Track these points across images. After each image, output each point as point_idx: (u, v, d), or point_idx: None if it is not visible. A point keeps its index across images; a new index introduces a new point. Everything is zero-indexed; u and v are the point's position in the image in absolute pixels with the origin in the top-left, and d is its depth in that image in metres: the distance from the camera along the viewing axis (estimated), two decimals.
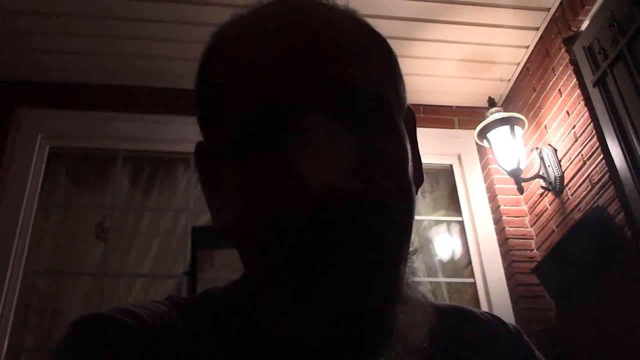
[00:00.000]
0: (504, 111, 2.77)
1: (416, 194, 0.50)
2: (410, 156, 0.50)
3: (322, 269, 0.42)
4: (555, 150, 2.54)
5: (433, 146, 2.90)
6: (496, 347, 0.60)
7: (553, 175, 2.53)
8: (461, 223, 2.93)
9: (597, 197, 2.25)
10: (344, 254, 0.42)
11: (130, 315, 0.47)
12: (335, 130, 0.44)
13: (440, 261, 3.12)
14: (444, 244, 3.12)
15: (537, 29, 2.73)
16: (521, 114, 2.74)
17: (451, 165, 3.04)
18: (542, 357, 0.63)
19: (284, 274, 0.43)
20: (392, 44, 0.56)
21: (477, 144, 2.88)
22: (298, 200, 0.42)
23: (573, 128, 2.42)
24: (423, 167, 0.56)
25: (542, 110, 2.67)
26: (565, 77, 2.50)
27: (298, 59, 0.45)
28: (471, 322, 0.61)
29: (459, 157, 3.03)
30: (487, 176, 2.94)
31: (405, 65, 0.55)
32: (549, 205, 2.59)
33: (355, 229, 0.42)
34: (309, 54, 0.46)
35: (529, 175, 2.66)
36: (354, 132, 0.45)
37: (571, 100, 2.44)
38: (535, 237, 2.71)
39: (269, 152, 0.44)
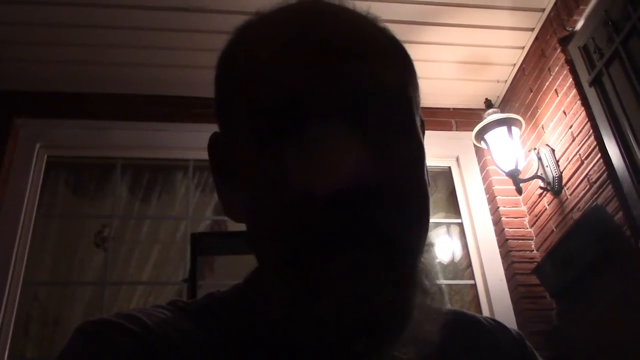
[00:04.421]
0: (501, 112, 2.78)
1: None
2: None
3: (339, 260, 0.42)
4: (553, 151, 2.55)
5: (431, 148, 2.85)
6: (499, 352, 0.60)
7: (551, 176, 2.53)
8: (461, 225, 2.93)
9: (595, 196, 2.25)
10: (363, 245, 0.42)
11: (133, 320, 0.47)
12: (359, 126, 0.44)
13: (441, 263, 3.12)
14: (443, 246, 3.12)
15: (532, 29, 2.74)
16: (518, 114, 2.74)
17: (449, 167, 3.04)
18: None
19: (300, 264, 0.43)
20: None
21: (475, 145, 2.88)
22: (319, 190, 0.42)
23: (570, 128, 2.42)
24: None
25: (539, 111, 2.68)
26: (561, 77, 2.50)
27: (327, 54, 0.46)
28: (474, 327, 0.61)
29: (457, 159, 3.03)
30: (485, 177, 2.95)
31: None
32: (548, 205, 2.59)
33: (376, 220, 0.43)
34: (336, 50, 0.47)
35: (527, 176, 2.66)
36: (377, 128, 0.45)
37: (568, 100, 2.45)
38: (534, 238, 2.71)
39: (291, 143, 0.45)
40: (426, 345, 0.46)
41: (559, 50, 2.52)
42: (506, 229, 2.74)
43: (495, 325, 0.63)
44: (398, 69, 0.51)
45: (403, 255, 0.45)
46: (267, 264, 0.49)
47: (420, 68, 0.53)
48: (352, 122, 0.45)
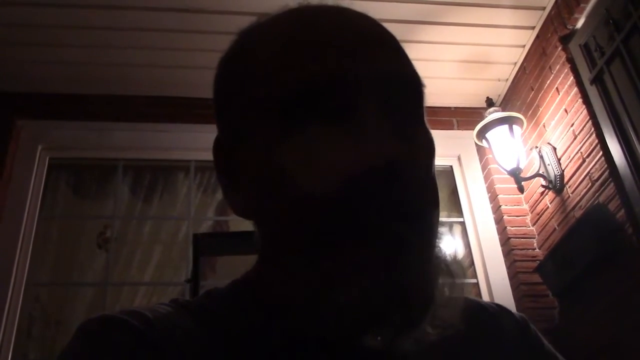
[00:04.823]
0: (502, 111, 2.77)
1: None
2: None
3: (372, 236, 0.43)
4: (555, 149, 2.54)
5: None
6: (503, 336, 0.60)
7: (553, 174, 2.53)
8: (463, 224, 2.92)
9: (597, 194, 2.25)
10: (396, 221, 0.43)
11: (135, 316, 0.47)
12: (383, 114, 0.46)
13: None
14: (446, 245, 3.12)
15: (533, 28, 2.74)
16: (519, 113, 2.74)
17: (451, 167, 3.04)
18: (550, 345, 0.63)
19: (329, 248, 0.44)
20: None
21: (476, 144, 2.88)
22: (351, 167, 0.44)
23: (572, 126, 2.42)
24: None
25: (541, 109, 2.68)
26: (562, 76, 2.50)
27: (350, 42, 0.48)
28: (478, 312, 0.61)
29: (459, 158, 3.03)
30: (487, 176, 2.94)
31: None
32: (550, 203, 2.59)
33: (405, 197, 0.44)
34: (359, 40, 0.49)
35: (529, 174, 2.66)
36: (398, 116, 0.47)
37: (569, 98, 2.44)
38: (537, 236, 2.71)
39: (318, 125, 0.46)
40: (448, 328, 0.47)
41: (559, 48, 2.52)
42: (508, 228, 2.74)
43: (499, 310, 0.63)
44: (410, 63, 0.53)
45: (427, 236, 0.47)
46: (282, 255, 0.49)
47: (421, 67, 0.54)
48: (376, 109, 0.46)
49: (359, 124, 0.45)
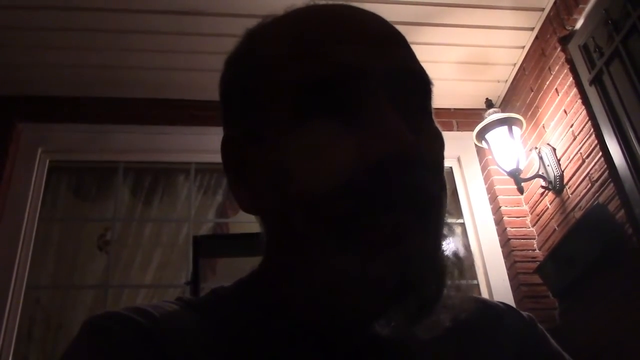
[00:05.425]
0: (502, 112, 2.78)
1: None
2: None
3: (383, 224, 0.44)
4: (554, 150, 2.55)
5: None
6: (509, 335, 0.60)
7: (553, 175, 2.53)
8: (463, 225, 2.92)
9: (597, 195, 2.25)
10: (407, 209, 0.44)
11: (141, 313, 0.47)
12: (393, 103, 0.47)
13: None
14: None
15: (532, 29, 2.74)
16: (519, 114, 2.74)
17: (451, 168, 3.04)
18: (557, 345, 0.63)
19: (349, 229, 0.44)
20: None
21: (476, 145, 2.88)
22: (369, 155, 0.44)
23: (571, 127, 2.42)
24: None
25: (540, 110, 2.68)
26: (561, 76, 2.50)
27: (359, 37, 0.49)
28: (484, 310, 0.61)
29: (459, 159, 3.03)
30: (487, 177, 2.94)
31: None
32: (550, 204, 2.59)
33: (417, 185, 0.45)
34: (368, 35, 0.50)
35: (528, 175, 2.66)
36: (406, 108, 0.48)
37: (568, 99, 2.45)
38: (537, 237, 2.71)
39: (328, 119, 0.47)
40: (458, 315, 0.47)
41: (559, 49, 2.52)
42: (508, 229, 2.74)
43: (505, 309, 0.63)
44: (418, 60, 0.54)
45: (437, 225, 0.48)
46: (290, 249, 0.49)
47: None
48: (386, 101, 0.47)
49: (369, 116, 0.46)
